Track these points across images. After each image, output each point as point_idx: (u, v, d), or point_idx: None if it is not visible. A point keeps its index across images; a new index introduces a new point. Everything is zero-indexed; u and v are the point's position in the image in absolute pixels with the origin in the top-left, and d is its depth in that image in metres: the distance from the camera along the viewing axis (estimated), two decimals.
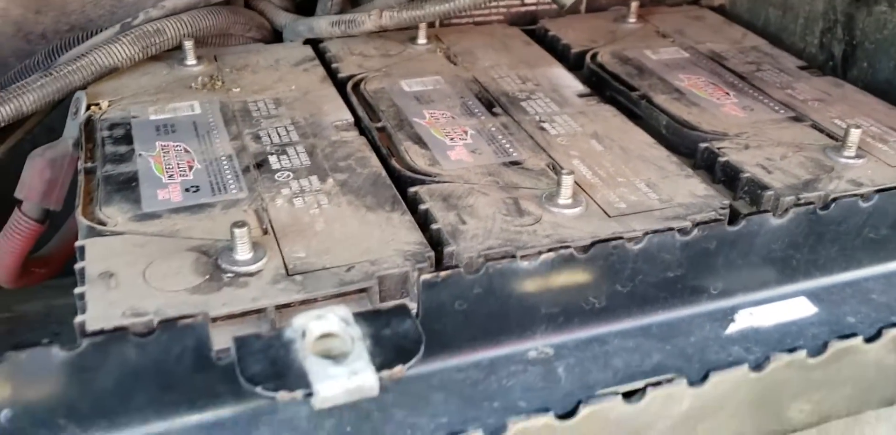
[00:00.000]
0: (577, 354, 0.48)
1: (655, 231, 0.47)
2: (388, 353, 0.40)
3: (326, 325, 0.40)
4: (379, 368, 0.39)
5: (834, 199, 0.51)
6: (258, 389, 0.38)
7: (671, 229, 0.47)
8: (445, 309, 0.44)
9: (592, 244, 0.46)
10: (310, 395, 0.38)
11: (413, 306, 0.61)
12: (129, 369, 0.42)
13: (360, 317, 0.41)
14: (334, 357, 0.39)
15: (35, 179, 0.82)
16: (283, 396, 0.38)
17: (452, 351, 0.48)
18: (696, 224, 0.50)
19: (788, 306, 0.51)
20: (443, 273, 0.44)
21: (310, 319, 0.40)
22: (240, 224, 0.61)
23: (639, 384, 0.42)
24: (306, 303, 0.60)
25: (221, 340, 0.58)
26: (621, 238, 0.46)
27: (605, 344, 0.49)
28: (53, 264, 0.96)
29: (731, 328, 0.49)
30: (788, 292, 0.51)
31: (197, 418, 0.44)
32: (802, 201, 0.58)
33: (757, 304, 0.51)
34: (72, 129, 0.84)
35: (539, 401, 0.45)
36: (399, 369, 0.39)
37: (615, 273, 0.47)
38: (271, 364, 0.39)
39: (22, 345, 0.41)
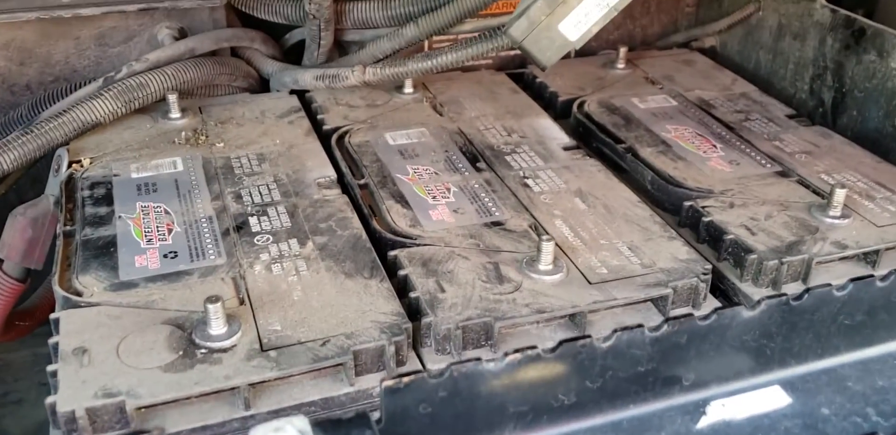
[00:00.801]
0: None
1: (624, 328, 0.46)
2: None
3: None
4: None
5: (807, 290, 0.50)
6: None
7: (640, 326, 0.47)
8: (410, 413, 0.44)
9: (560, 343, 0.45)
10: None
11: (387, 384, 0.61)
12: None
13: (319, 428, 0.41)
14: None
15: (16, 239, 0.82)
16: None
17: None
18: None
19: (762, 397, 0.50)
20: (405, 378, 0.43)
21: (267, 432, 0.39)
22: (213, 299, 0.60)
23: None
24: (280, 379, 0.60)
25: (194, 418, 0.58)
26: (588, 337, 0.46)
27: None
28: (38, 316, 0.95)
29: (703, 422, 0.49)
30: (762, 382, 0.51)
31: None
32: (775, 294, 0.58)
33: (730, 394, 0.50)
34: (53, 186, 0.84)
35: None
36: None
37: (584, 370, 0.46)
38: None
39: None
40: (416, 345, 0.64)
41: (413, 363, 0.63)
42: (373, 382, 0.61)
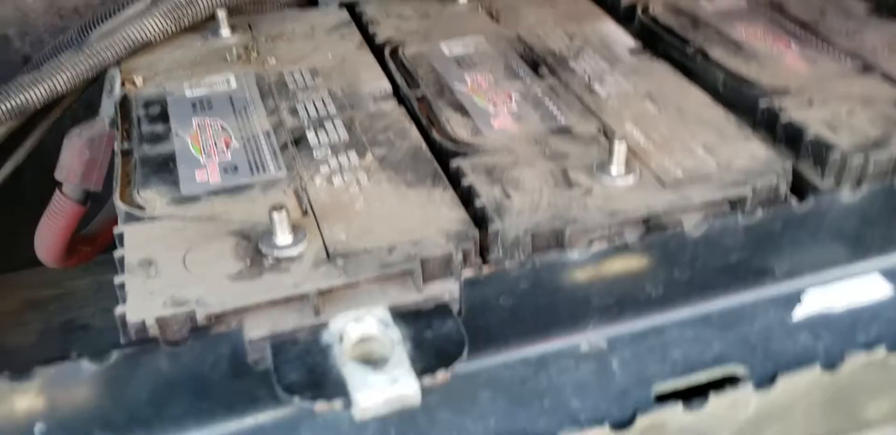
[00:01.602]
0: (633, 346, 0.45)
1: (717, 215, 0.43)
2: (429, 357, 0.38)
3: (364, 327, 0.38)
4: (420, 373, 0.37)
5: None
6: (296, 399, 0.36)
7: (733, 210, 0.44)
8: (490, 305, 0.42)
9: (648, 229, 0.42)
10: (349, 405, 0.36)
11: (457, 288, 0.59)
12: (163, 379, 0.40)
13: (400, 317, 0.39)
14: (374, 362, 0.37)
15: (74, 161, 0.81)
16: (320, 406, 0.36)
17: (499, 347, 0.45)
18: (761, 202, 0.46)
19: (861, 286, 0.47)
20: (486, 269, 0.41)
21: (347, 322, 0.38)
22: (278, 207, 0.59)
23: (699, 377, 0.39)
24: (349, 286, 0.59)
25: (263, 324, 0.57)
26: (679, 223, 0.43)
27: (662, 335, 0.46)
28: (100, 242, 0.96)
29: (799, 313, 0.46)
30: (860, 272, 0.48)
31: (236, 425, 0.43)
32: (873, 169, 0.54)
33: (826, 286, 0.47)
34: (107, 107, 0.82)
35: (592, 398, 0.43)
36: (442, 375, 0.37)
37: (673, 260, 0.44)
38: (309, 372, 0.37)
39: (51, 359, 0.40)
40: (483, 254, 0.62)
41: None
42: (441, 289, 0.59)
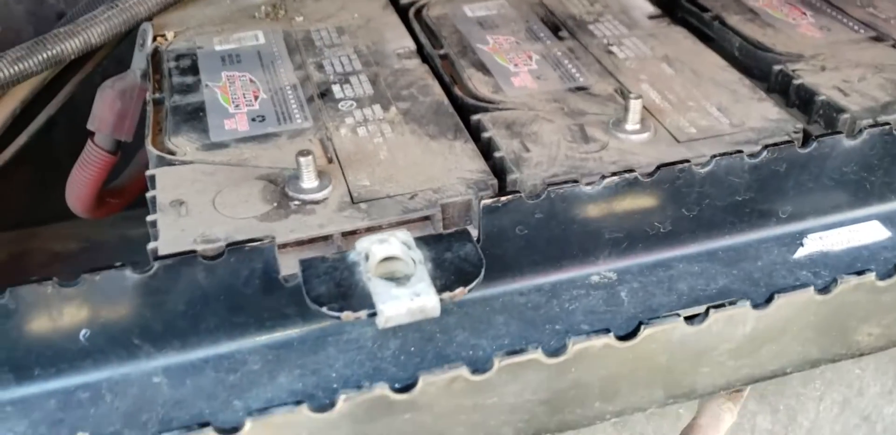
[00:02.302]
0: (641, 278, 0.48)
1: (723, 154, 0.46)
2: (449, 275, 0.40)
3: (389, 248, 0.41)
4: (440, 290, 0.40)
5: None
6: (324, 310, 0.39)
7: (739, 152, 0.46)
8: (506, 234, 0.44)
9: (658, 168, 0.45)
10: (373, 315, 0.39)
11: (475, 233, 0.62)
12: (199, 292, 0.43)
13: (422, 241, 0.42)
14: (397, 279, 0.40)
15: (106, 111, 0.84)
16: (347, 316, 0.39)
17: (514, 275, 0.48)
18: (766, 146, 0.48)
19: (860, 230, 0.50)
20: (503, 198, 0.44)
21: (372, 243, 0.40)
22: (305, 153, 0.61)
23: (702, 309, 0.41)
24: (371, 230, 0.61)
25: (289, 264, 0.60)
26: (687, 161, 0.45)
27: (669, 269, 0.48)
28: (127, 194, 0.99)
29: (800, 253, 0.48)
30: (861, 216, 0.50)
31: (265, 339, 0.45)
32: (877, 123, 0.56)
33: (827, 228, 0.49)
34: (139, 60, 0.85)
35: (601, 324, 0.45)
36: (460, 291, 0.40)
37: (681, 197, 0.46)
38: (336, 285, 0.40)
39: (97, 268, 0.42)
40: None
41: None
42: None
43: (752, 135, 0.67)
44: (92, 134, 0.87)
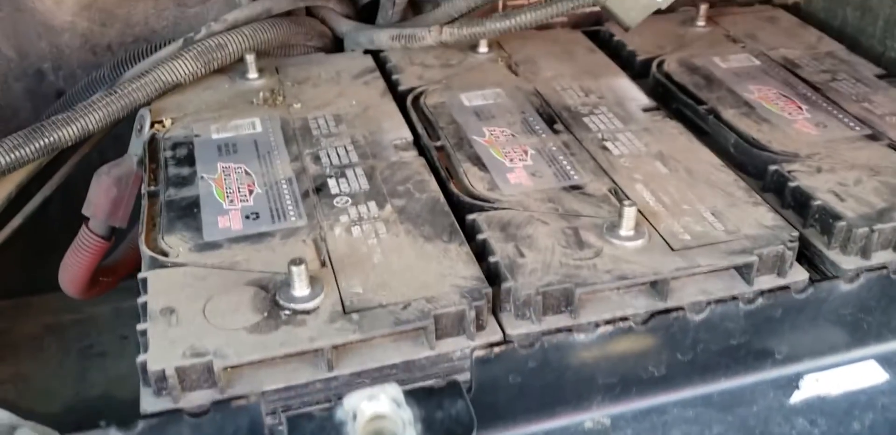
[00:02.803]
0: (635, 425, 0.47)
1: (718, 301, 0.45)
2: None
3: (378, 406, 0.40)
4: None
5: None
6: None
7: (734, 299, 0.46)
8: (499, 383, 0.44)
9: (651, 316, 0.44)
10: None
11: (470, 345, 0.61)
12: None
13: (412, 396, 0.41)
14: None
15: (101, 198, 0.84)
16: None
17: (506, 424, 0.47)
18: (762, 292, 0.48)
19: (857, 372, 0.49)
20: (496, 349, 0.43)
21: (361, 400, 0.40)
22: (297, 262, 0.61)
23: None
24: (362, 341, 0.61)
25: (279, 378, 0.59)
26: (682, 309, 0.45)
27: (663, 414, 0.48)
28: (120, 272, 0.98)
29: (796, 397, 0.48)
30: (858, 357, 0.49)
31: None
32: (875, 266, 0.56)
33: (824, 368, 0.49)
34: (136, 146, 0.85)
35: None
36: None
37: (675, 342, 0.46)
38: None
39: (81, 427, 0.42)
40: (494, 310, 0.64)
41: (493, 328, 0.62)
42: (453, 347, 0.61)
43: (747, 243, 0.66)
44: (87, 219, 0.86)
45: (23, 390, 1.07)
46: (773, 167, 0.76)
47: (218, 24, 0.90)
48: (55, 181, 0.94)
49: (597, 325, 0.44)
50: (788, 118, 0.84)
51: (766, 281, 0.65)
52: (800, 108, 0.86)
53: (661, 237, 0.68)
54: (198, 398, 0.57)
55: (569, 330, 0.43)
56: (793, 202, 0.74)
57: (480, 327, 0.62)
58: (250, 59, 0.90)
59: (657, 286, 0.64)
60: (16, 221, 0.92)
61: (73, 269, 0.88)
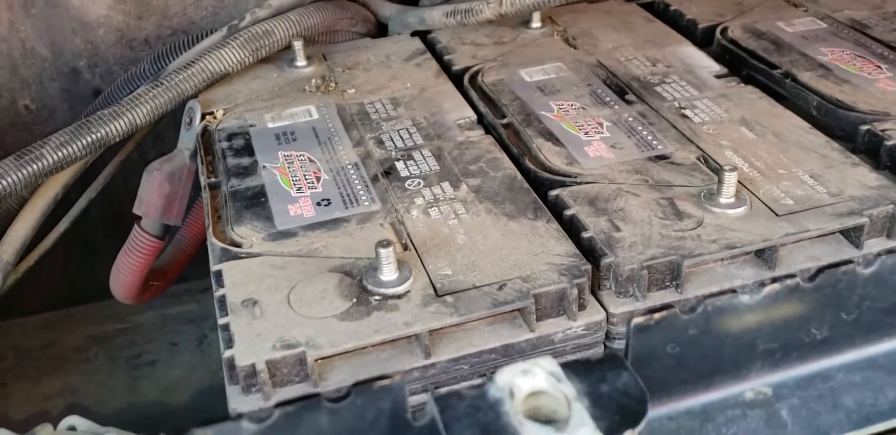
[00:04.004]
0: (800, 393, 0.43)
1: (889, 251, 0.41)
2: (611, 415, 0.35)
3: (535, 382, 0.36)
4: (606, 433, 0.35)
5: None
6: None
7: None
8: (656, 353, 0.40)
9: (819, 271, 0.40)
10: None
11: (572, 326, 0.57)
12: None
13: (570, 370, 0.37)
14: (549, 421, 0.35)
15: (154, 195, 0.80)
16: None
17: (662, 398, 0.43)
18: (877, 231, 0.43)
19: None
20: (656, 315, 0.39)
21: (515, 376, 0.36)
22: (385, 243, 0.57)
23: (878, 428, 0.37)
24: (457, 326, 0.57)
25: (374, 368, 0.55)
26: (850, 262, 0.41)
27: (828, 380, 0.43)
28: (169, 276, 0.95)
29: None
30: None
31: None
32: None
33: None
34: (186, 139, 0.81)
35: None
36: None
37: (841, 300, 0.42)
38: (483, 431, 0.35)
39: (209, 420, 0.38)
40: (592, 288, 0.60)
41: (594, 307, 0.59)
42: (554, 328, 0.57)
43: (854, 205, 0.62)
44: (138, 218, 0.83)
45: (72, 404, 1.03)
46: (864, 127, 0.72)
47: (263, 10, 0.86)
48: (99, 183, 0.90)
49: (762, 284, 0.39)
50: (869, 78, 0.80)
51: (875, 244, 0.61)
52: (879, 67, 0.81)
53: (763, 203, 0.63)
54: (291, 393, 0.53)
55: (733, 291, 0.39)
56: (889, 162, 0.69)
57: (581, 307, 0.58)
58: (298, 45, 0.87)
59: (764, 254, 0.60)
60: (62, 226, 0.88)
61: (127, 272, 0.85)
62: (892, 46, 0.86)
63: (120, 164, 0.93)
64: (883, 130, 0.71)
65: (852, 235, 0.62)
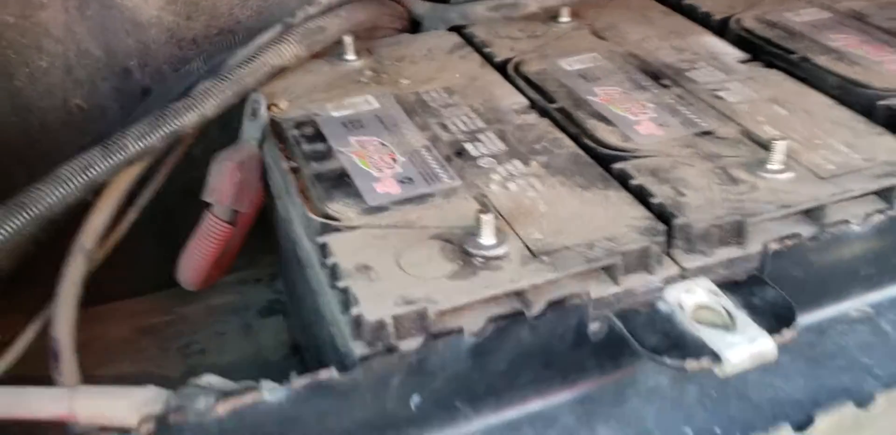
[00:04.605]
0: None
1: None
2: (768, 320, 0.42)
3: (698, 297, 0.42)
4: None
5: None
6: (665, 360, 0.40)
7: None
8: (784, 278, 0.46)
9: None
10: (716, 362, 0.40)
11: (652, 280, 0.63)
12: (521, 350, 0.44)
13: (723, 288, 0.43)
14: (722, 326, 0.41)
15: (226, 183, 0.85)
16: (691, 365, 0.40)
17: None
18: None
19: None
20: (787, 241, 0.46)
21: (680, 293, 0.42)
22: (485, 211, 0.63)
23: None
24: (549, 283, 0.62)
25: (478, 321, 0.61)
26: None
27: None
28: (225, 264, 0.99)
29: None
30: None
31: (568, 394, 0.46)
32: None
33: None
34: (252, 129, 0.86)
35: (880, 356, 0.47)
36: (789, 334, 0.41)
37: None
38: (665, 336, 0.41)
39: (437, 334, 0.42)
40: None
41: (668, 263, 0.65)
42: (637, 282, 0.63)
43: (889, 168, 0.70)
44: (208, 205, 0.87)
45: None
46: (882, 102, 0.79)
47: (314, 7, 0.92)
48: (159, 179, 0.94)
49: (867, 215, 0.46)
50: (878, 61, 0.88)
51: None
52: (883, 51, 0.90)
53: (807, 168, 0.71)
54: (411, 346, 0.59)
55: (846, 221, 0.45)
56: None
57: (659, 263, 0.65)
58: (349, 40, 0.92)
59: (812, 213, 0.67)
60: (131, 215, 0.92)
61: (199, 257, 0.89)
62: (892, 33, 0.94)
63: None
64: None
65: (890, 196, 0.69)
